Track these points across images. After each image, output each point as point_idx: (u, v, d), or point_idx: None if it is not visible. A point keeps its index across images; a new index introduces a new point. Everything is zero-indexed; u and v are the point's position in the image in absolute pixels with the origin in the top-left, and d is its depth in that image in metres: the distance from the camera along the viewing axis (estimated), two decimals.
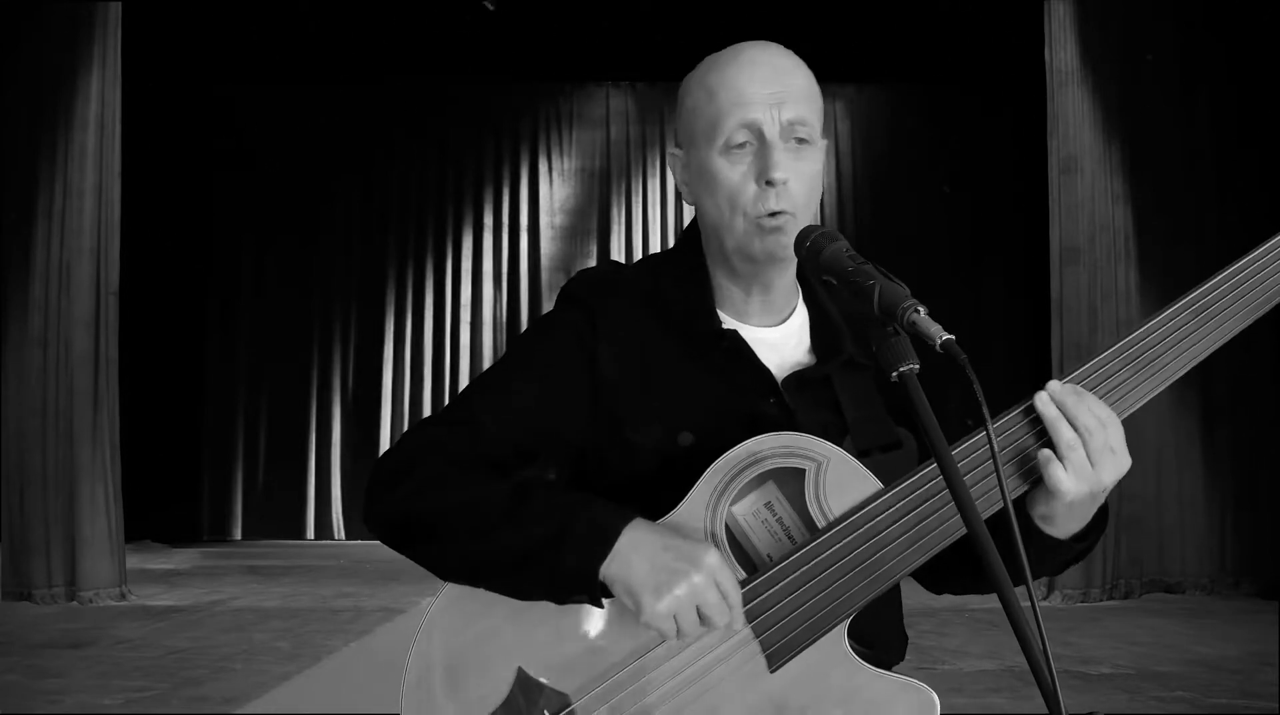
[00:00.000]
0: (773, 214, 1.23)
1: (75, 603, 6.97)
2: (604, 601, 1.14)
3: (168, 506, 10.27)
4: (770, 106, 1.23)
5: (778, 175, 1.22)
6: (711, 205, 1.27)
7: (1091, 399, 1.13)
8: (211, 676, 4.83)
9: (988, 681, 4.69)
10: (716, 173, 1.25)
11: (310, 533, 11.08)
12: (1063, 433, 1.12)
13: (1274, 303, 1.20)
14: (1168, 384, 1.18)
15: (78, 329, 7.23)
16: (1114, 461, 1.13)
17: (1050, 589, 7.23)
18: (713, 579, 1.10)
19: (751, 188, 1.23)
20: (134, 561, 8.06)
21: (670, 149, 1.35)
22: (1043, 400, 1.13)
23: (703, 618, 1.11)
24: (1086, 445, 1.12)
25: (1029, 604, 0.94)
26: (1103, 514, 1.21)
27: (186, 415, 10.91)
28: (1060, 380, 1.15)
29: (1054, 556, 1.22)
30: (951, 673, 4.87)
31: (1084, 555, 1.24)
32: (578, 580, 1.13)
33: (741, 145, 1.23)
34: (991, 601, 0.98)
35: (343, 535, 11.06)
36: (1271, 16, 7.09)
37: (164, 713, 4.23)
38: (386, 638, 5.67)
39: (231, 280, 11.33)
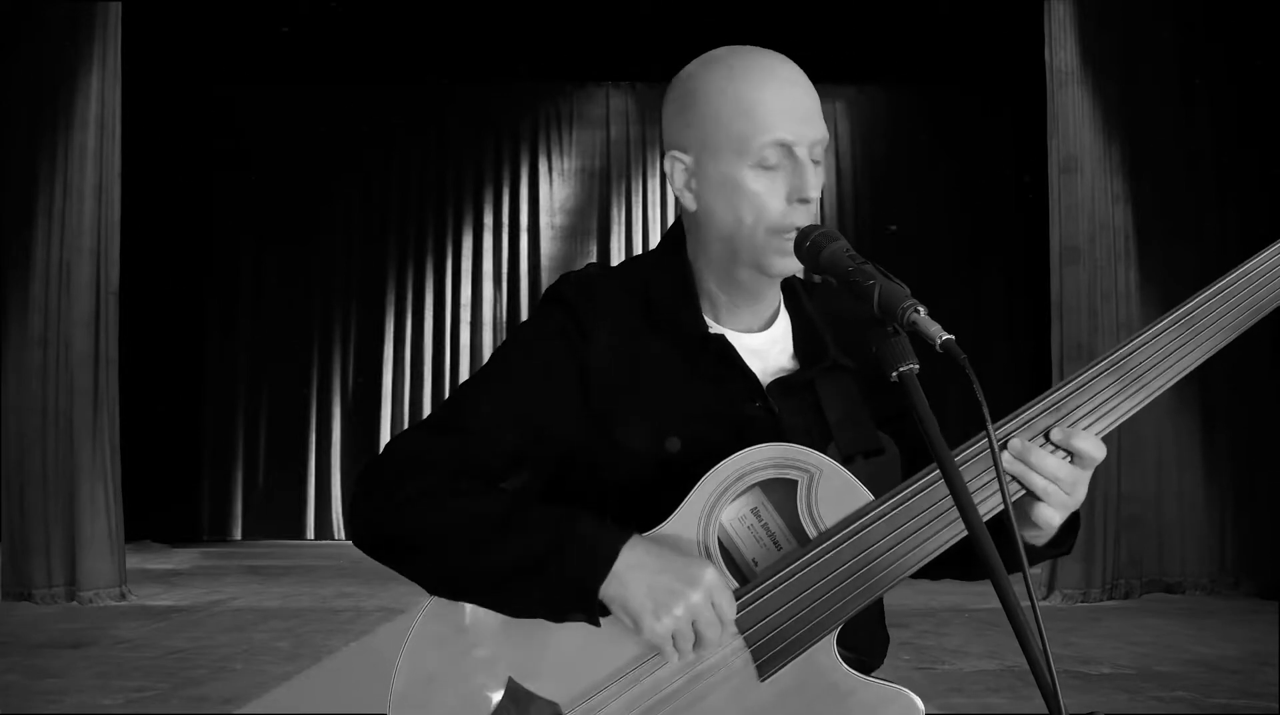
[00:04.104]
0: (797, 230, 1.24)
1: (75, 603, 6.97)
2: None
3: (168, 506, 10.26)
4: (801, 125, 1.23)
5: (813, 195, 1.23)
6: (731, 216, 1.25)
7: (1045, 453, 1.17)
8: (211, 676, 4.83)
9: (988, 681, 4.69)
10: (745, 185, 1.23)
11: (310, 533, 11.07)
12: (1035, 482, 1.17)
13: (1259, 317, 1.21)
14: (1152, 399, 1.20)
15: (78, 329, 7.23)
16: (1085, 483, 1.19)
17: (1050, 589, 7.23)
18: (709, 598, 1.12)
19: (780, 204, 1.23)
20: (134, 561, 8.06)
21: (672, 153, 1.29)
22: (1007, 460, 1.17)
23: (697, 634, 1.13)
24: (1060, 487, 1.17)
25: (1029, 604, 0.95)
26: (1074, 519, 1.25)
27: (186, 415, 10.91)
28: (1039, 403, 1.18)
29: (1030, 558, 1.25)
30: (951, 673, 4.87)
31: (1058, 557, 1.30)
32: (576, 600, 1.14)
33: (774, 166, 1.23)
34: (991, 601, 0.99)
35: (343, 535, 11.04)
36: (1271, 17, 7.08)
37: (164, 713, 4.23)
38: (386, 638, 5.65)
39: (231, 280, 11.33)
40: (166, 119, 9.91)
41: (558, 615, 1.16)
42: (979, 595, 1.34)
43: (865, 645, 1.26)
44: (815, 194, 1.23)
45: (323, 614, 6.56)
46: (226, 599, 7.15)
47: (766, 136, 1.22)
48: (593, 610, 1.14)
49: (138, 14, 7.59)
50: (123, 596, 7.14)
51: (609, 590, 1.12)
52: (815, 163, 1.25)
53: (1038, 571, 7.31)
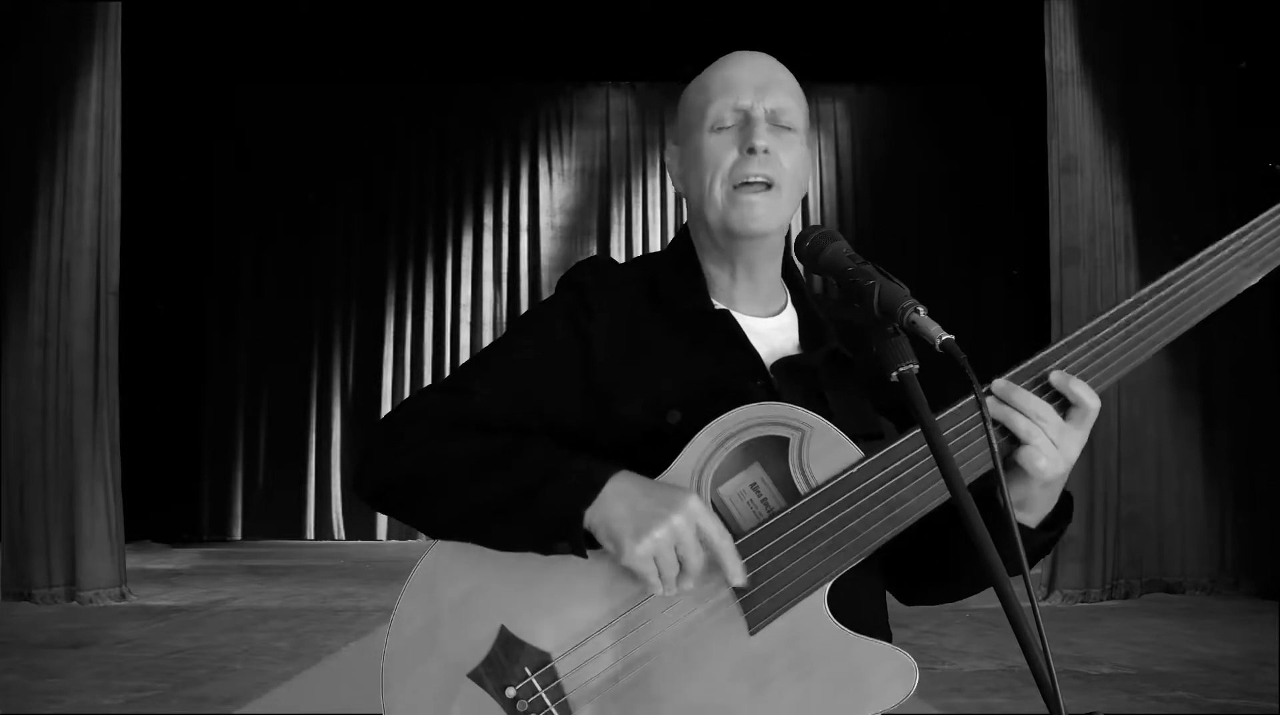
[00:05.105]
0: (749, 183, 1.27)
1: (75, 603, 6.97)
2: (588, 554, 1.15)
3: (168, 506, 10.27)
4: (756, 92, 1.29)
5: (759, 143, 1.27)
6: (696, 181, 1.31)
7: (1028, 392, 1.16)
8: (211, 676, 4.83)
9: (988, 681, 4.69)
10: (703, 146, 1.30)
11: (310, 533, 11.08)
12: (1018, 423, 1.15)
13: (1234, 294, 1.24)
14: (1140, 361, 1.20)
15: (78, 329, 7.23)
16: (1076, 436, 1.17)
17: (1050, 589, 7.23)
18: (693, 522, 1.12)
19: (733, 154, 1.28)
20: (134, 561, 8.06)
21: (669, 146, 1.40)
22: (992, 403, 1.16)
23: (681, 561, 1.12)
24: (1045, 430, 1.15)
25: (1029, 604, 0.95)
26: (1068, 502, 1.24)
27: (186, 415, 10.92)
28: (1027, 364, 1.18)
29: (1024, 545, 1.24)
30: (951, 673, 4.87)
31: (1052, 545, 1.27)
32: (561, 526, 1.14)
33: (730, 126, 1.29)
34: (991, 602, 0.99)
35: (343, 535, 11.06)
36: (1271, 16, 7.08)
37: (164, 713, 4.23)
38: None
39: (231, 280, 11.34)
40: (166, 119, 9.92)
41: (545, 545, 1.16)
42: (979, 595, 1.37)
43: (869, 634, 1.25)
44: (762, 143, 1.26)
45: (323, 614, 6.56)
46: (226, 599, 7.16)
47: (718, 101, 1.30)
48: (578, 536, 1.13)
49: (138, 14, 7.60)
50: (123, 596, 7.14)
51: (593, 516, 1.12)
52: (784, 128, 1.29)
53: (1038, 571, 7.33)
